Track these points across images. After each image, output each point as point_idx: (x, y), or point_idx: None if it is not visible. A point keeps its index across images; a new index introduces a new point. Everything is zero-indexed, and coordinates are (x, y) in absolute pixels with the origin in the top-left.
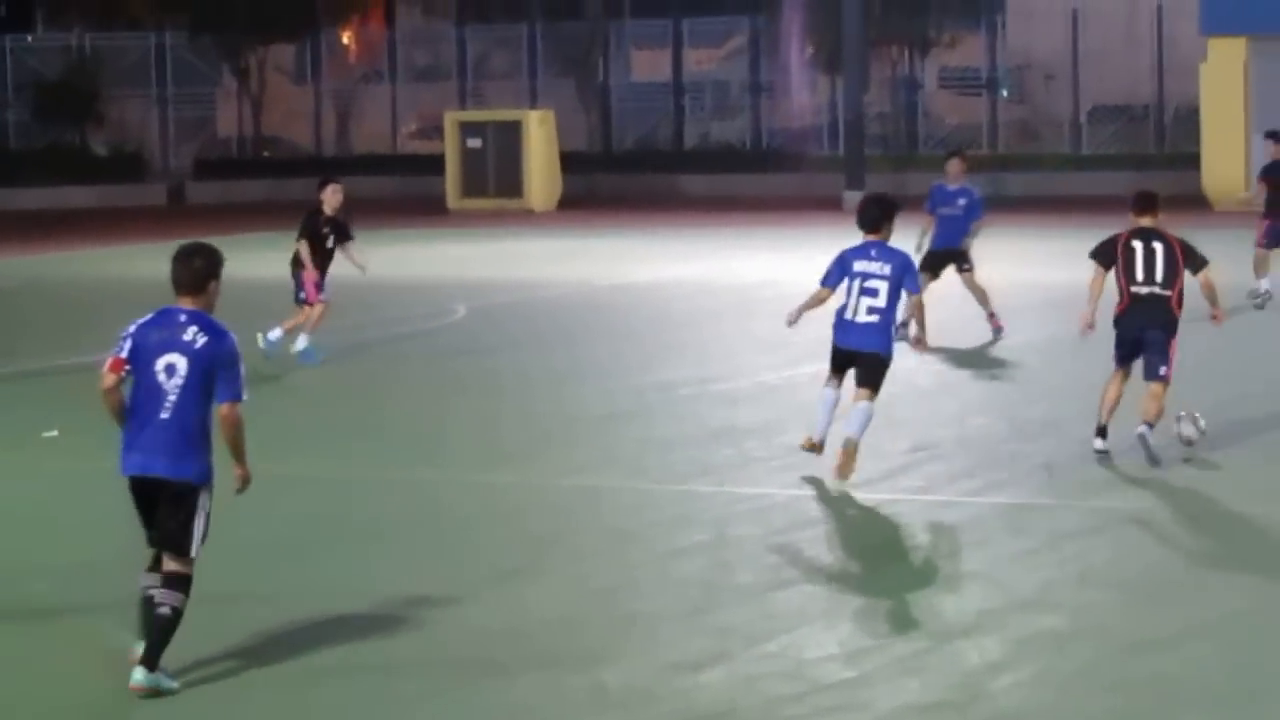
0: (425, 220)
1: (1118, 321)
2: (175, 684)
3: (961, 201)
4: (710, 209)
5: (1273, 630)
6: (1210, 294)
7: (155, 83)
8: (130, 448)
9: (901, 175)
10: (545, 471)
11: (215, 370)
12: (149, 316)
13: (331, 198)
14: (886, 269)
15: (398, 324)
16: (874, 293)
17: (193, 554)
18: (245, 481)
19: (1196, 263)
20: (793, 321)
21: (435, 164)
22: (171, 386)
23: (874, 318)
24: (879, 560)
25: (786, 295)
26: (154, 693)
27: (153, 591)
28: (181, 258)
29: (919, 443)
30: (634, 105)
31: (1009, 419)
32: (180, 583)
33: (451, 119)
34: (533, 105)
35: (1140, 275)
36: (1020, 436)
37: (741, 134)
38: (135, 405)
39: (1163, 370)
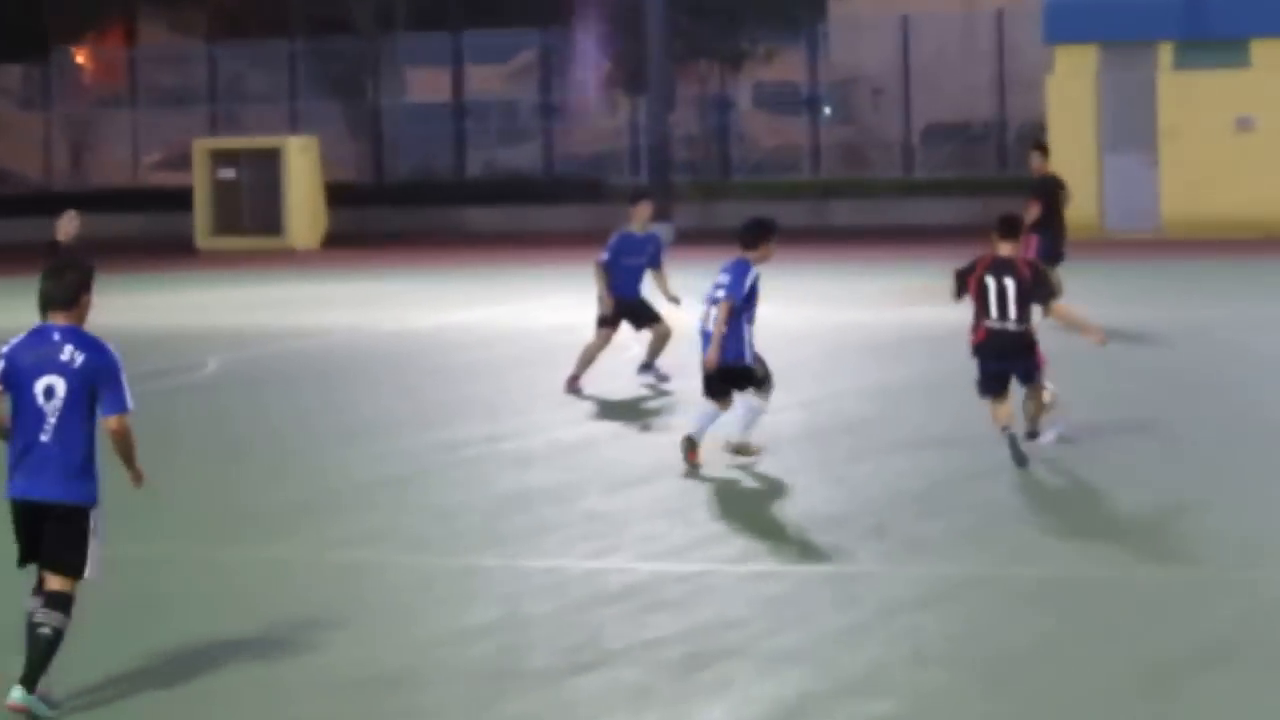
0: (171, 262)
1: (978, 351)
2: (53, 711)
3: (650, 249)
4: (498, 246)
5: (1121, 714)
6: (1069, 323)
7: None
8: (13, 470)
9: (713, 205)
10: (309, 545)
11: (97, 385)
12: (23, 336)
13: (67, 225)
14: (726, 279)
15: (138, 381)
16: (717, 301)
17: (87, 575)
18: (140, 480)
19: (1044, 297)
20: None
21: (183, 198)
22: (51, 409)
23: (724, 327)
24: (689, 640)
25: (585, 343)
26: (31, 715)
27: (35, 611)
28: (53, 273)
29: (734, 507)
30: (410, 130)
31: (835, 477)
32: (62, 602)
33: (201, 147)
34: (294, 131)
35: (994, 313)
36: (848, 496)
37: (532, 161)
38: (16, 428)
39: (1036, 375)
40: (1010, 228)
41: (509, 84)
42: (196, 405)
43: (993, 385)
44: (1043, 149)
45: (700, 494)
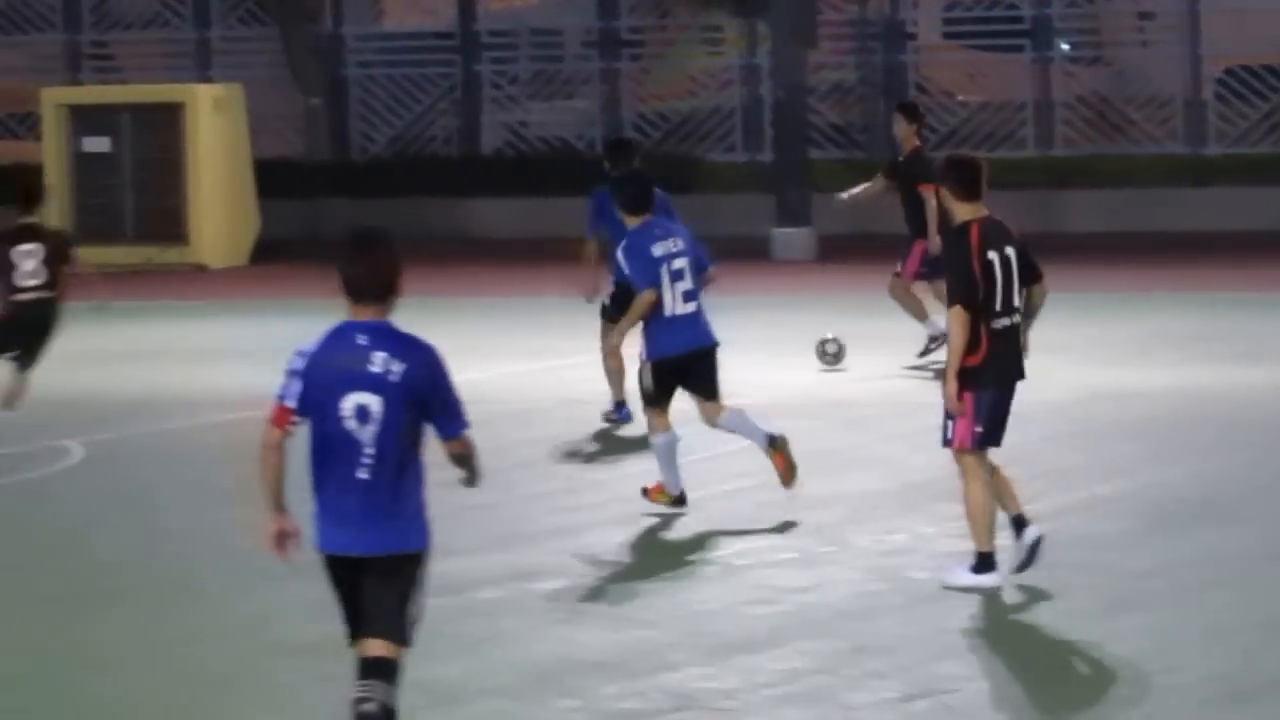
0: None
1: (980, 377)
2: None
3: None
4: (527, 259)
5: None
6: (1036, 311)
7: None
8: (325, 518)
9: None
10: None
11: (425, 399)
12: (321, 341)
13: None
14: (681, 243)
15: None
16: (681, 275)
17: (409, 640)
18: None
19: (1037, 268)
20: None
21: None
22: (367, 435)
23: (693, 305)
24: None
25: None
26: None
27: (355, 686)
28: (361, 251)
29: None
30: (389, 75)
31: (989, 672)
32: (387, 670)
33: (54, 101)
34: (204, 77)
35: (1000, 302)
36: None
37: (585, 127)
38: (321, 462)
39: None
40: (972, 177)
41: (549, 2)
42: (48, 515)
43: (997, 426)
44: (910, 112)
45: (858, 664)
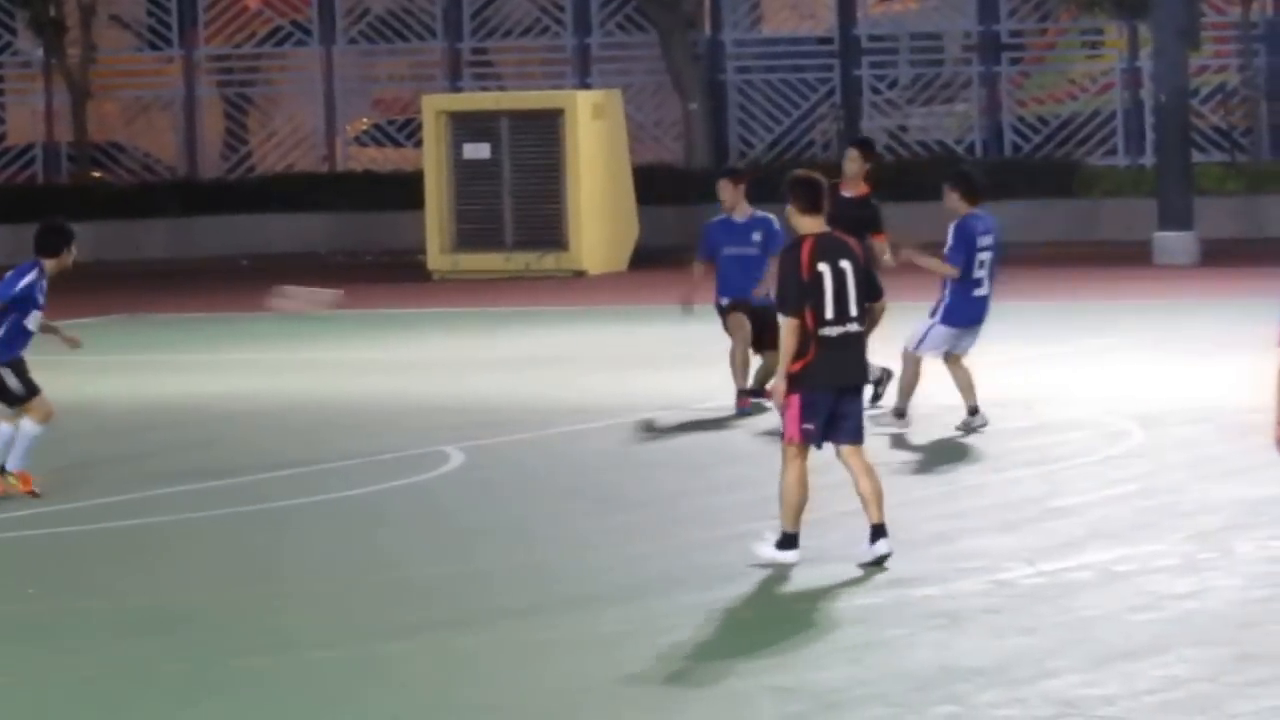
0: (391, 293)
1: (807, 380)
2: None
3: (756, 236)
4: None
5: None
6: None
7: None
8: None
9: (1257, 199)
10: None
11: None
12: None
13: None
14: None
15: (338, 476)
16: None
17: None
18: None
19: (878, 287)
20: None
21: (405, 190)
22: None
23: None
24: None
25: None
26: None
27: None
28: None
29: None
30: (767, 80)
31: None
32: None
33: (434, 108)
34: (583, 83)
35: (832, 312)
36: None
37: (963, 131)
38: None
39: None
40: (814, 195)
41: (928, 4)
42: (434, 517)
43: (836, 430)
44: (865, 146)
45: (1241, 671)
